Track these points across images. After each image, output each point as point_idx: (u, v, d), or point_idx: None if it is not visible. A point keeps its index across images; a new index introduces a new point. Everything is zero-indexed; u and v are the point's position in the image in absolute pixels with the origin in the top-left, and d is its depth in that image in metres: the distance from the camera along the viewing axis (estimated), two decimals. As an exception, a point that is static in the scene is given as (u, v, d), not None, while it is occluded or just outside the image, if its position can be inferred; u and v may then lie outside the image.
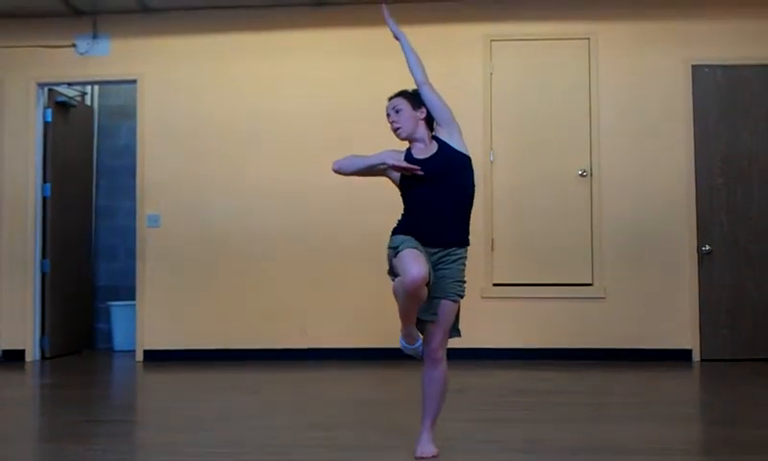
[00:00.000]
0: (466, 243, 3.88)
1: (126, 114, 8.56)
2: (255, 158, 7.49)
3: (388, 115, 4.10)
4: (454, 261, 3.80)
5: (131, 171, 7.85)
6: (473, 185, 3.99)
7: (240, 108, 7.53)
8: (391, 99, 4.12)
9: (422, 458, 3.75)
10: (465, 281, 3.85)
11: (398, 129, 4.03)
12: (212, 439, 4.33)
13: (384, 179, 4.16)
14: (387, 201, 7.34)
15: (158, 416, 5.23)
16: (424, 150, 3.97)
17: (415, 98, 4.07)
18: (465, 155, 3.98)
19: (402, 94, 4.11)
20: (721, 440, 4.33)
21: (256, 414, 5.01)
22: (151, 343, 7.44)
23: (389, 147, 4.18)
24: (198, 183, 7.51)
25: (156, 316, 7.45)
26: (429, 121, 4.06)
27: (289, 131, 7.48)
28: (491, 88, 7.38)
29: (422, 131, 4.03)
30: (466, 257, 3.88)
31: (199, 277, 7.44)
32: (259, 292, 7.38)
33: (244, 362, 7.14)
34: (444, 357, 3.81)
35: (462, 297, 3.82)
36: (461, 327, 3.89)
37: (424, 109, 4.04)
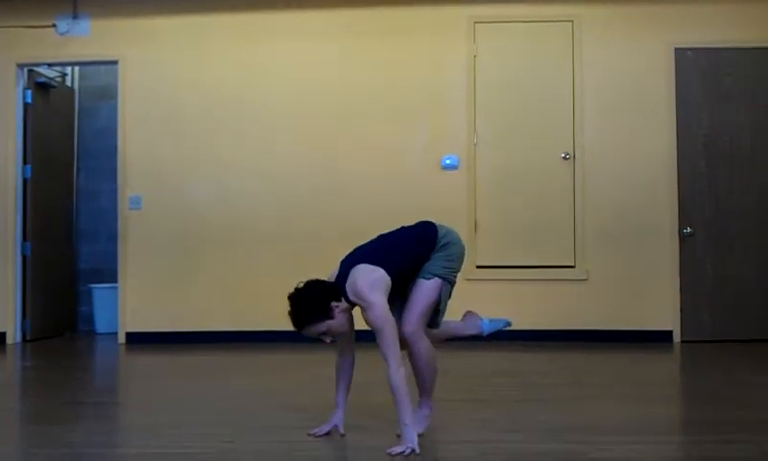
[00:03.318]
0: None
1: (107, 95, 8.48)
2: (238, 141, 7.45)
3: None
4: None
5: (112, 153, 7.79)
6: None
7: (223, 90, 7.48)
8: (302, 331, 3.73)
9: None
10: (447, 267, 3.83)
11: (342, 333, 3.77)
12: (195, 421, 4.32)
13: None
14: (368, 187, 7.36)
15: (141, 398, 5.22)
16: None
17: (318, 311, 3.64)
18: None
19: (305, 321, 3.67)
20: (701, 420, 4.37)
21: (240, 396, 5.01)
22: (133, 325, 7.41)
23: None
24: (180, 166, 7.47)
25: (138, 298, 7.42)
26: (339, 296, 3.71)
27: (273, 114, 7.44)
28: (474, 70, 7.37)
29: (347, 315, 3.75)
30: (449, 251, 3.87)
31: (181, 259, 7.41)
32: (242, 275, 7.37)
33: (226, 345, 7.12)
34: (421, 338, 3.75)
35: (437, 275, 3.79)
36: (441, 320, 3.87)
37: (333, 303, 3.66)
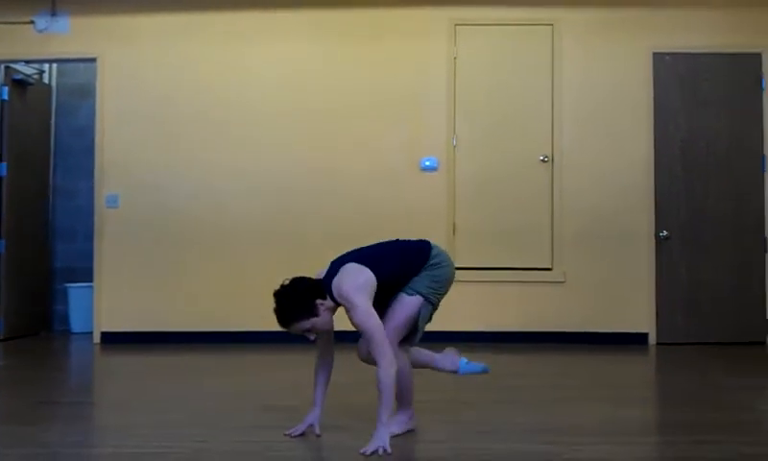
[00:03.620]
0: None
1: (85, 93, 8.41)
2: (218, 139, 7.42)
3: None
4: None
5: (89, 151, 7.72)
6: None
7: (203, 89, 7.44)
8: (287, 328, 3.71)
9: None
10: (432, 288, 3.81)
11: (326, 331, 3.79)
12: (170, 420, 4.30)
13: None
14: (349, 187, 7.36)
15: (116, 398, 5.18)
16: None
17: (303, 309, 3.64)
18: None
19: (290, 319, 3.66)
20: (675, 422, 4.41)
21: (215, 396, 4.99)
22: (108, 325, 7.36)
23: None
24: (159, 165, 7.42)
25: (114, 298, 7.36)
26: (325, 294, 3.73)
27: (255, 114, 7.41)
28: (454, 73, 7.39)
29: (331, 313, 3.76)
30: (438, 272, 3.87)
31: (158, 258, 7.37)
32: (219, 274, 7.33)
33: (203, 345, 7.09)
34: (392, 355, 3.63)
35: (420, 294, 3.78)
36: (417, 340, 3.87)
37: (318, 301, 3.67)
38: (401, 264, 3.84)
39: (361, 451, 3.52)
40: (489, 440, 3.87)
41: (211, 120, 7.42)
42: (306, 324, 3.66)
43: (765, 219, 7.29)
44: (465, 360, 4.05)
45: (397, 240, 4.04)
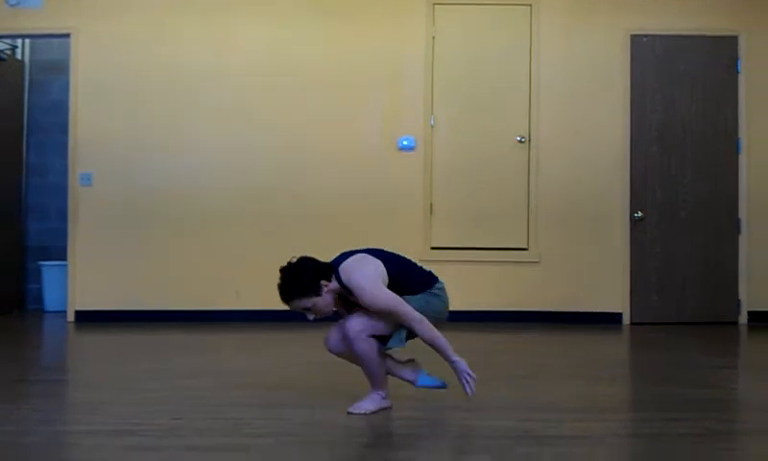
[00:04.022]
0: None
1: (58, 69, 8.30)
2: (193, 117, 7.35)
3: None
4: None
5: (63, 128, 7.63)
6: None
7: (179, 65, 7.36)
8: (288, 303, 3.77)
9: (353, 413, 3.82)
10: (423, 308, 3.80)
11: (327, 313, 3.83)
12: (144, 398, 4.28)
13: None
14: (326, 165, 7.33)
15: (89, 376, 5.15)
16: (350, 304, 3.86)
17: (307, 287, 3.70)
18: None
19: (293, 295, 3.72)
20: (650, 399, 4.46)
21: (189, 374, 4.97)
22: (82, 304, 7.30)
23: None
24: (133, 142, 7.35)
25: (88, 276, 7.30)
26: (331, 275, 3.79)
27: (231, 92, 7.35)
28: (432, 52, 7.37)
29: (333, 296, 3.79)
30: (435, 299, 3.92)
31: (133, 237, 7.31)
32: (194, 253, 7.29)
33: (179, 324, 7.06)
34: (363, 341, 3.73)
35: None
36: (391, 345, 3.82)
37: (323, 282, 3.73)
38: (406, 276, 3.87)
39: (469, 395, 3.75)
40: (466, 416, 3.88)
41: (186, 97, 7.35)
42: (308, 302, 3.72)
43: (739, 200, 7.36)
44: (425, 373, 4.03)
45: (410, 260, 4.03)
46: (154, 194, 7.32)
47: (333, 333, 3.93)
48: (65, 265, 7.47)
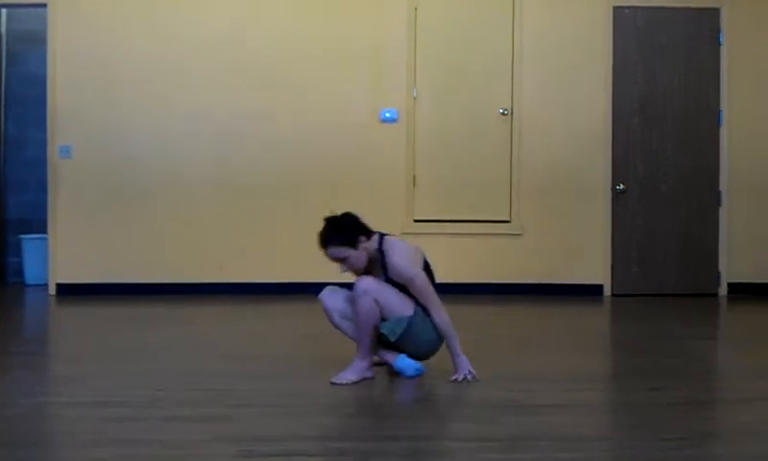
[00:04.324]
0: None
1: (37, 40, 8.17)
2: (174, 87, 7.27)
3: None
4: None
5: (41, 100, 7.52)
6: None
7: (160, 36, 7.26)
8: (325, 249, 3.92)
9: (336, 383, 3.84)
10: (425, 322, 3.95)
11: (355, 271, 3.98)
12: (126, 369, 4.27)
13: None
14: (308, 136, 7.30)
15: (71, 348, 5.13)
16: (377, 274, 3.99)
17: (346, 237, 3.89)
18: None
19: (331, 242, 3.90)
20: (631, 369, 4.50)
21: (172, 346, 4.96)
22: (64, 276, 7.25)
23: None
24: (113, 114, 7.26)
25: (69, 249, 7.25)
26: (370, 235, 3.98)
27: (212, 63, 7.26)
28: (415, 23, 7.32)
29: (367, 255, 3.95)
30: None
31: (113, 209, 7.25)
32: (176, 226, 7.24)
33: (160, 296, 7.03)
34: (368, 300, 3.84)
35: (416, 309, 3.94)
36: (386, 328, 3.90)
37: (362, 238, 3.92)
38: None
39: (452, 379, 3.89)
40: (449, 387, 3.90)
41: (166, 67, 7.27)
42: (343, 252, 3.89)
43: (720, 173, 7.39)
44: (405, 356, 4.04)
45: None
46: (135, 166, 7.26)
47: (334, 292, 4.05)
48: (46, 238, 7.40)
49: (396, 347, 4.00)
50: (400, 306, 3.91)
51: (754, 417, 3.45)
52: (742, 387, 4.04)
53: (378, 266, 3.96)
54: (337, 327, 4.07)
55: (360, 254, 3.90)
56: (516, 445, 3.04)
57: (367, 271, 3.97)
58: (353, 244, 3.88)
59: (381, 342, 4.02)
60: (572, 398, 3.76)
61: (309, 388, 3.82)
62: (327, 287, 4.12)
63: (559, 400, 3.71)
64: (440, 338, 4.00)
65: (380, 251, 3.94)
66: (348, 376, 3.87)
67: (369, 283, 3.87)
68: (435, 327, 3.95)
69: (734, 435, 3.26)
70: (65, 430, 3.32)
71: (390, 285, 3.92)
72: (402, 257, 3.91)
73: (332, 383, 3.84)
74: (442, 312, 3.95)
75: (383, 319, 3.90)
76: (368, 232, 3.94)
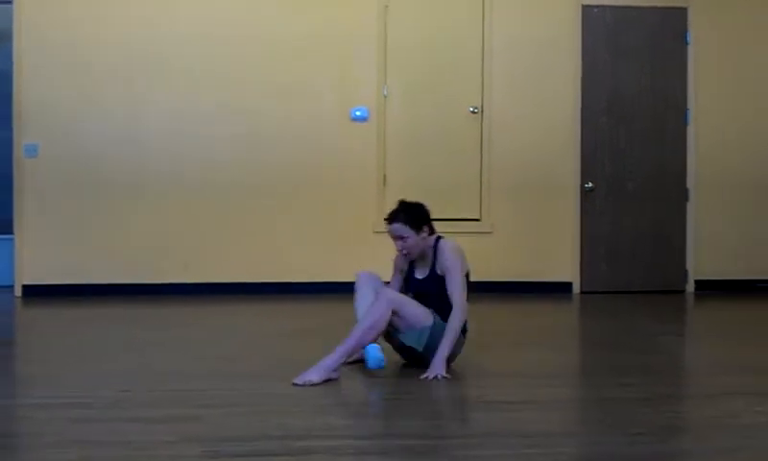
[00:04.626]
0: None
1: (1, 37, 8.05)
2: (143, 84, 7.19)
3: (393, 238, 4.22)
4: None
5: (6, 98, 7.40)
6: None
7: (127, 31, 7.16)
8: (391, 223, 4.19)
9: (297, 384, 3.80)
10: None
11: (407, 254, 4.22)
12: (93, 372, 4.22)
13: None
14: (277, 133, 7.26)
15: (38, 350, 5.05)
16: (422, 269, 4.26)
17: (414, 220, 4.17)
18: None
19: (399, 218, 4.17)
20: (599, 365, 4.54)
21: (138, 347, 4.91)
22: (30, 278, 7.15)
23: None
24: (81, 112, 7.17)
25: (36, 250, 7.14)
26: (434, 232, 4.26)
27: (179, 58, 7.18)
28: (385, 21, 7.32)
29: (423, 245, 4.21)
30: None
31: (80, 210, 7.16)
32: (143, 226, 7.16)
33: (127, 297, 6.96)
34: (383, 310, 3.95)
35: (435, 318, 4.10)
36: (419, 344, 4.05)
37: (426, 228, 4.20)
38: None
39: (422, 377, 3.90)
40: (417, 385, 3.89)
41: (134, 66, 7.19)
42: (407, 231, 4.14)
43: (687, 171, 7.47)
44: (378, 348, 4.09)
45: None
46: (102, 165, 7.18)
47: (373, 275, 4.26)
48: (11, 239, 7.30)
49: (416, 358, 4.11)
50: (423, 317, 4.06)
51: (719, 412, 3.48)
52: (708, 383, 4.09)
53: (427, 261, 4.21)
54: (357, 296, 4.18)
55: (419, 241, 4.15)
56: (486, 441, 3.05)
57: (411, 264, 4.24)
58: (418, 230, 4.14)
59: (402, 353, 4.18)
60: (541, 394, 3.78)
61: (275, 388, 3.79)
62: (366, 272, 4.29)
63: (528, 397, 3.73)
64: (458, 345, 4.13)
65: (434, 248, 4.19)
66: (311, 376, 3.82)
67: (395, 296, 4.07)
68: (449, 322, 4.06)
69: (701, 430, 3.30)
70: (31, 432, 3.28)
71: (412, 299, 4.12)
72: (453, 251, 4.17)
73: (294, 384, 3.80)
74: (460, 315, 4.07)
75: (401, 330, 4.02)
76: (432, 229, 4.22)
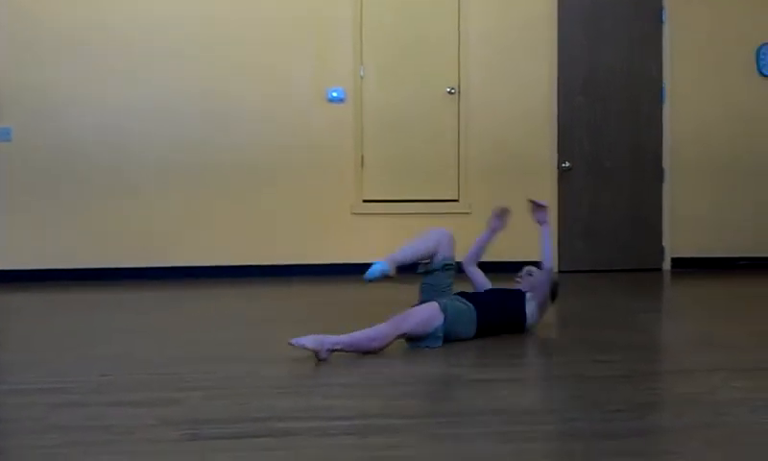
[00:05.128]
0: None
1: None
2: (117, 65, 7.15)
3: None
4: None
5: (-22, 81, 7.33)
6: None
7: (102, 14, 7.12)
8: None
9: (292, 344, 3.85)
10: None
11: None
12: (72, 357, 4.20)
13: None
14: (252, 117, 7.22)
15: (14, 336, 5.02)
16: None
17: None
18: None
19: None
20: (578, 342, 4.56)
21: (118, 331, 4.89)
22: (4, 263, 7.09)
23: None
24: (56, 95, 7.12)
25: (10, 235, 7.09)
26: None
27: (155, 40, 7.16)
28: (361, 1, 7.29)
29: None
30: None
31: (55, 193, 7.12)
32: (119, 209, 7.15)
33: (105, 281, 6.93)
34: (389, 334, 4.07)
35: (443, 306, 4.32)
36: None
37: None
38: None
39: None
40: (395, 364, 3.91)
41: (109, 45, 7.14)
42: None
43: (663, 150, 7.52)
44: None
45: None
46: (77, 149, 7.13)
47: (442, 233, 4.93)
48: (-14, 224, 7.23)
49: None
50: (432, 319, 4.21)
51: (696, 388, 3.52)
52: (685, 359, 4.13)
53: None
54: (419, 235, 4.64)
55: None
56: (464, 419, 3.07)
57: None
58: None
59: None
60: (518, 371, 3.81)
61: (255, 371, 3.79)
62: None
63: (504, 375, 3.75)
64: (472, 323, 4.39)
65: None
66: (306, 342, 3.86)
67: (402, 323, 4.12)
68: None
69: (677, 406, 3.33)
70: (10, 418, 3.25)
71: (417, 307, 4.28)
72: None
73: (289, 343, 3.84)
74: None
75: (420, 339, 4.17)
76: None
